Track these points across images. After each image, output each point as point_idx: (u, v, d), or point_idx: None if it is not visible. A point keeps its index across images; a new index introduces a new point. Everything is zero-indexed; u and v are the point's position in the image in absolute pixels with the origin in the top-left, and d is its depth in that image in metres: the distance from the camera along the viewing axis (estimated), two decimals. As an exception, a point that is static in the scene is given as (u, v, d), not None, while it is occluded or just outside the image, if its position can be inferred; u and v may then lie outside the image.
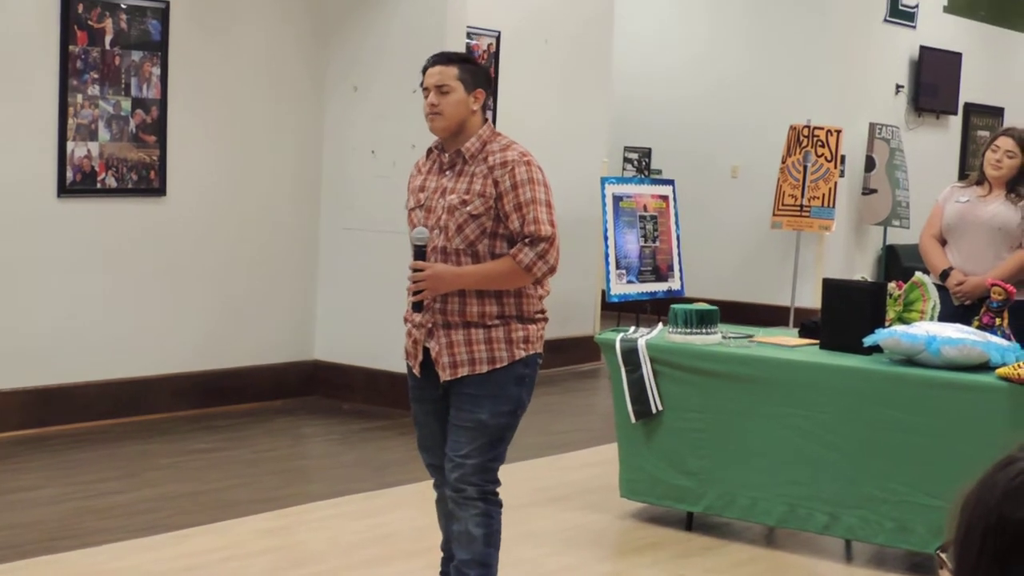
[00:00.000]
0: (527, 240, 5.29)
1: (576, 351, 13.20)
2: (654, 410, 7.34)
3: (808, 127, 14.33)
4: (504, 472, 8.63)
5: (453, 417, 5.42)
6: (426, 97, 5.42)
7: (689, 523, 7.49)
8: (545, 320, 5.55)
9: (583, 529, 7.47)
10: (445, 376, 5.37)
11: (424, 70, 5.48)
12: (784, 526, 7.13)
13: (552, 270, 5.36)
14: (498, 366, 5.35)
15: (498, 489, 5.51)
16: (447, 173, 5.43)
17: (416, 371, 5.50)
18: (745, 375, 7.08)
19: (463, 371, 5.35)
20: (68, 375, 9.45)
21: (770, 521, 7.14)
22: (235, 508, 7.61)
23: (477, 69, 5.54)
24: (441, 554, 5.75)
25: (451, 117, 5.37)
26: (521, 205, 5.29)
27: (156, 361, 9.94)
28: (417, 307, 5.39)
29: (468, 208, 5.31)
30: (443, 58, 5.48)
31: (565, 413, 11.09)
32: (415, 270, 5.32)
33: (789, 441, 6.98)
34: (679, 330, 7.34)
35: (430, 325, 5.39)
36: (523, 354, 5.40)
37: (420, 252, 5.35)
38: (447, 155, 5.45)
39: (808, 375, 6.92)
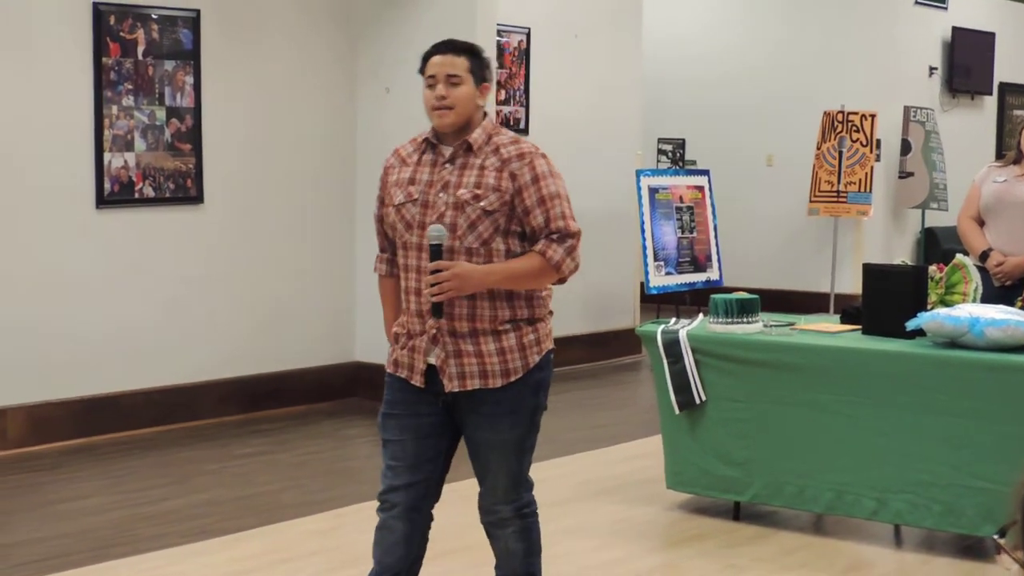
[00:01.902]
0: (555, 236, 4.95)
1: (617, 344, 13.22)
2: (698, 401, 7.34)
3: (842, 112, 14.30)
4: (549, 467, 8.69)
5: (470, 437, 5.08)
6: (430, 87, 5.00)
7: (736, 513, 7.48)
8: (551, 314, 5.20)
9: (630, 522, 7.47)
10: (452, 387, 4.95)
11: (426, 58, 5.06)
12: (832, 513, 7.12)
13: (577, 268, 5.04)
14: (513, 379, 4.99)
15: (531, 489, 5.25)
16: (447, 166, 4.99)
17: (418, 382, 5.02)
18: (788, 363, 7.07)
19: (473, 384, 4.95)
20: (114, 384, 9.51)
21: (818, 508, 7.13)
22: (284, 511, 7.64)
23: (485, 62, 5.10)
24: None
25: (461, 112, 4.98)
26: (544, 199, 4.96)
27: (200, 367, 9.99)
28: (437, 312, 4.91)
29: (482, 203, 4.91)
30: (453, 47, 5.07)
31: (608, 406, 11.10)
32: (434, 271, 4.84)
33: (834, 427, 6.96)
34: (720, 320, 7.33)
35: (434, 332, 4.96)
36: (537, 358, 5.05)
37: (437, 251, 4.87)
38: (446, 147, 5.03)
39: (851, 361, 6.90)
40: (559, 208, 4.99)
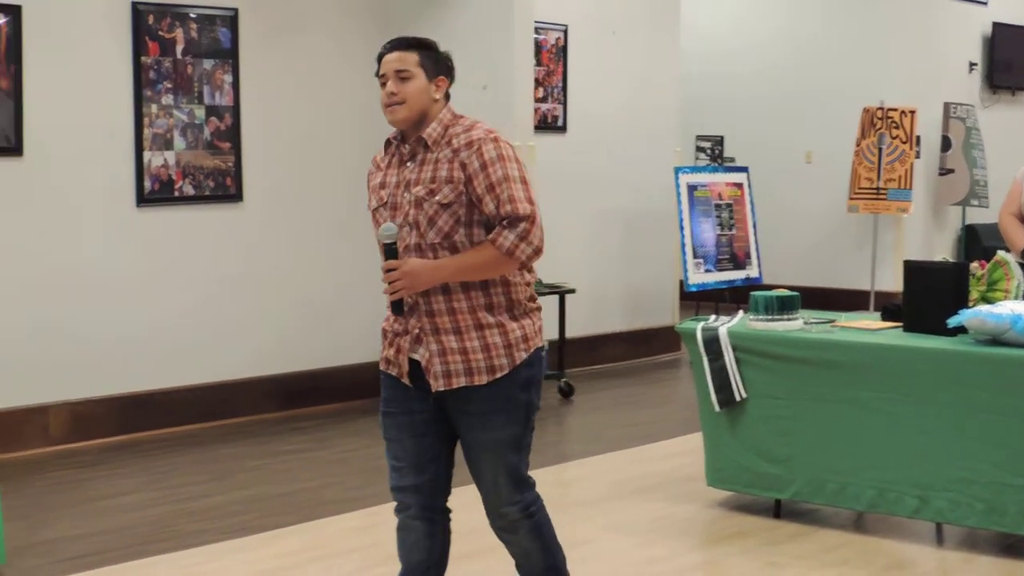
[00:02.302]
0: (505, 222, 4.84)
1: (656, 341, 13.21)
2: (738, 398, 7.32)
3: (882, 109, 14.24)
4: (590, 464, 8.71)
5: (464, 436, 5.02)
6: (383, 86, 4.96)
7: (777, 510, 7.46)
8: (539, 309, 5.08)
9: (671, 519, 7.46)
10: (438, 386, 4.92)
11: (380, 58, 5.02)
12: (873, 511, 7.09)
13: (538, 251, 4.87)
14: (499, 375, 4.92)
15: (533, 487, 5.15)
16: (408, 164, 4.98)
17: (406, 381, 5.01)
18: (829, 360, 7.04)
19: (459, 381, 4.90)
20: (155, 381, 9.56)
21: (859, 506, 7.10)
22: (324, 508, 7.66)
23: (439, 55, 5.04)
24: None
25: (413, 107, 4.92)
26: (493, 185, 4.84)
27: (240, 365, 10.02)
28: (398, 310, 4.93)
29: (437, 198, 4.86)
30: (402, 43, 5.01)
31: (647, 404, 11.08)
32: (388, 270, 4.86)
33: (876, 425, 6.94)
34: (760, 317, 7.31)
35: (417, 331, 4.95)
36: (524, 355, 4.96)
37: (391, 250, 4.87)
38: (407, 145, 5.00)
39: (892, 358, 6.87)
40: (507, 192, 4.86)
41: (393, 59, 4.96)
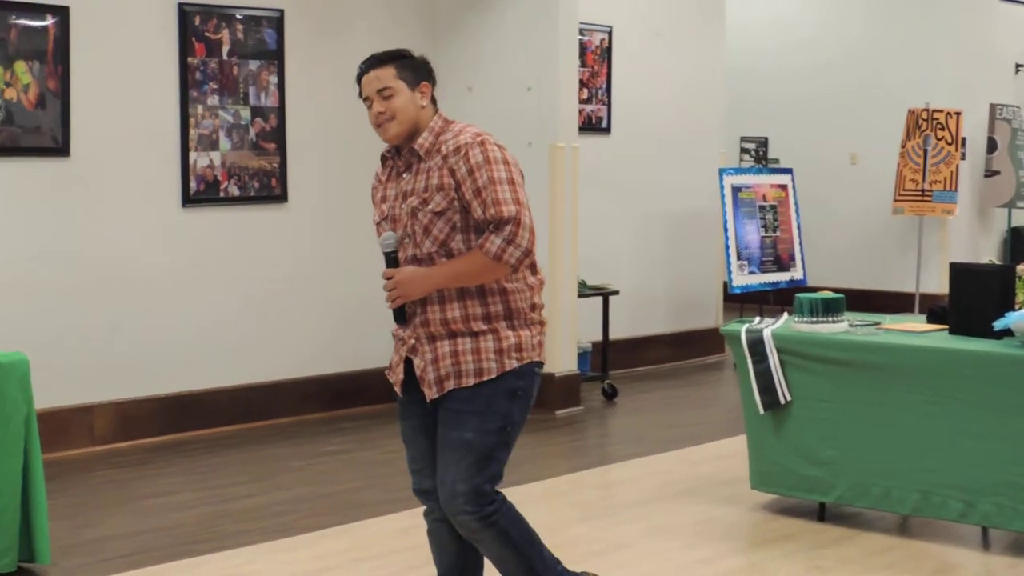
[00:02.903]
0: (492, 226, 4.83)
1: (700, 343, 13.18)
2: (782, 400, 7.29)
3: (927, 110, 14.18)
4: (634, 466, 8.71)
5: (439, 434, 4.99)
6: (369, 107, 5.00)
7: (821, 514, 7.43)
8: (541, 323, 5.08)
9: (715, 522, 7.44)
10: (431, 394, 4.95)
11: (358, 79, 5.05)
12: (918, 514, 7.05)
13: (527, 253, 4.86)
14: (485, 378, 4.90)
15: (499, 491, 5.04)
16: (404, 176, 5.00)
17: (397, 389, 5.11)
18: (874, 362, 7.01)
19: (449, 385, 4.91)
20: (199, 382, 9.59)
21: (904, 510, 7.07)
22: (367, 509, 7.67)
23: (415, 62, 5.05)
24: None
25: (403, 120, 4.95)
26: (480, 190, 4.83)
27: (283, 366, 10.05)
28: (399, 318, 4.98)
29: (430, 207, 4.88)
30: (375, 61, 5.02)
31: (691, 406, 11.06)
32: (387, 279, 4.92)
33: (921, 428, 6.90)
34: (805, 319, 7.28)
35: (413, 341, 4.98)
36: (515, 364, 4.93)
37: (391, 259, 4.94)
38: (401, 157, 5.03)
39: (938, 361, 6.83)
40: (492, 195, 4.84)
41: (371, 79, 5.00)
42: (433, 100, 5.08)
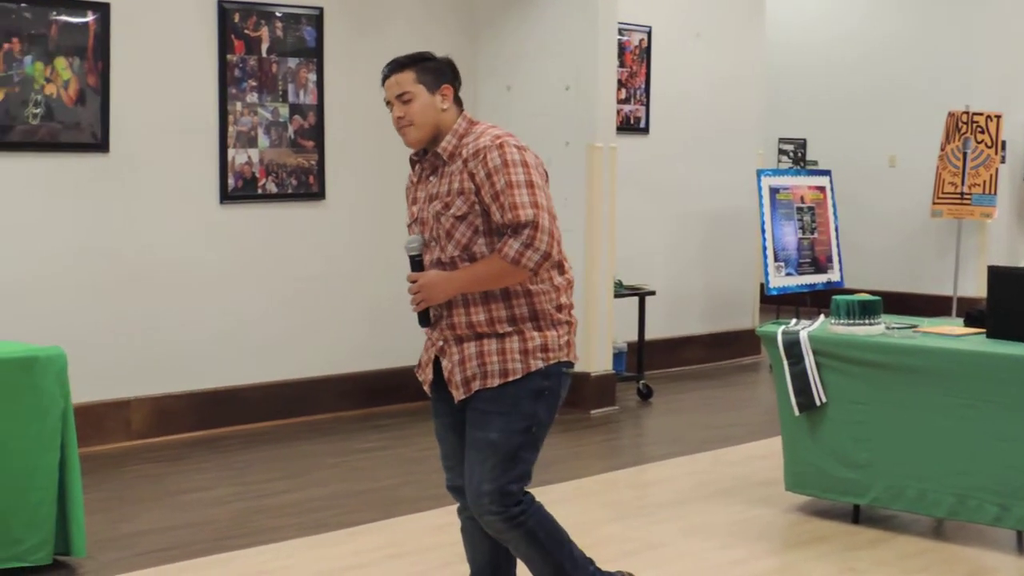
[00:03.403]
0: (510, 230, 4.83)
1: (736, 344, 13.16)
2: (818, 402, 7.28)
3: (967, 113, 14.12)
4: (670, 466, 8.71)
5: (467, 434, 5.01)
6: (391, 111, 5.04)
7: (856, 516, 7.41)
8: (569, 323, 5.06)
9: (749, 523, 7.43)
10: (459, 396, 4.97)
11: (382, 83, 5.07)
12: (953, 518, 7.03)
13: (546, 256, 4.83)
14: (511, 379, 4.90)
15: (527, 491, 5.06)
16: (431, 179, 5.03)
17: (426, 389, 5.17)
18: (910, 365, 6.99)
19: (475, 385, 4.93)
20: (235, 377, 9.62)
21: (939, 513, 7.05)
22: (402, 505, 7.69)
23: (436, 65, 5.05)
24: None
25: (422, 124, 4.97)
26: (498, 194, 4.83)
27: (320, 362, 10.08)
28: (424, 321, 5.02)
29: (451, 211, 4.90)
30: (396, 65, 5.04)
31: (727, 407, 11.05)
32: (411, 282, 4.98)
33: (957, 431, 6.88)
34: (842, 321, 7.26)
35: (441, 343, 5.02)
36: (541, 365, 4.93)
37: (415, 263, 5.00)
38: (427, 160, 5.07)
39: (976, 364, 6.81)
40: (510, 199, 4.83)
41: (392, 83, 5.03)
42: (459, 101, 5.08)
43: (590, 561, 5.21)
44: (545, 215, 4.85)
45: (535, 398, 4.96)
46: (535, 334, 4.94)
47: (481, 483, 4.94)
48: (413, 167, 5.17)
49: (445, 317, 4.98)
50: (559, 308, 5.02)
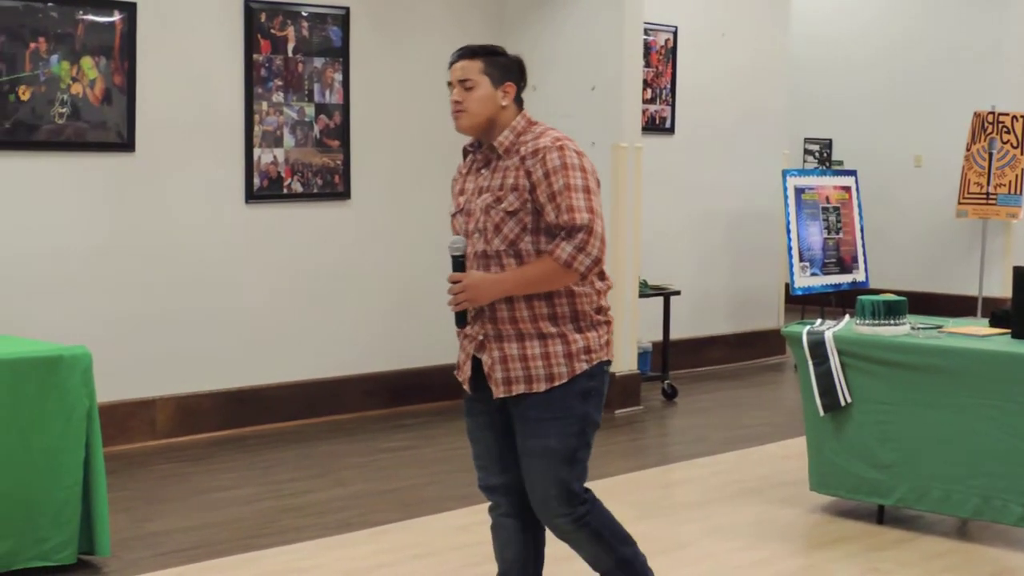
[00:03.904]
0: (564, 232, 4.84)
1: (761, 344, 13.15)
2: (843, 403, 7.27)
3: (993, 113, 14.09)
4: (694, 466, 8.72)
5: (520, 444, 5.02)
6: (450, 93, 5.05)
7: (880, 516, 7.40)
8: (608, 323, 5.08)
9: (773, 523, 7.42)
10: (499, 392, 4.97)
11: (449, 65, 5.07)
12: (978, 518, 7.01)
13: (596, 262, 4.87)
14: (557, 383, 4.92)
15: (587, 488, 5.10)
16: (482, 172, 5.05)
17: (466, 387, 5.13)
18: (936, 366, 6.98)
19: (518, 388, 4.94)
20: (260, 377, 9.64)
21: (964, 513, 7.03)
22: (427, 505, 7.70)
23: (506, 61, 5.08)
24: None
25: (476, 114, 4.99)
26: (555, 194, 4.84)
27: (345, 362, 10.09)
28: (461, 321, 5.00)
29: (503, 205, 4.91)
30: (467, 51, 5.06)
31: (752, 407, 11.04)
32: (453, 282, 4.93)
33: (982, 432, 6.86)
34: (867, 321, 7.25)
35: (481, 337, 5.00)
36: (585, 367, 4.96)
37: (458, 263, 4.96)
38: (481, 152, 5.09)
39: (1001, 365, 6.79)
40: (567, 201, 4.84)
41: (458, 68, 5.03)
42: (520, 101, 5.10)
43: (645, 558, 5.28)
44: (599, 222, 4.88)
45: (583, 400, 4.98)
46: (577, 336, 4.96)
47: (547, 489, 4.98)
48: (465, 157, 5.19)
49: (487, 312, 4.97)
50: (598, 310, 5.04)
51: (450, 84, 5.04)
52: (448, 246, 4.99)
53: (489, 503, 5.26)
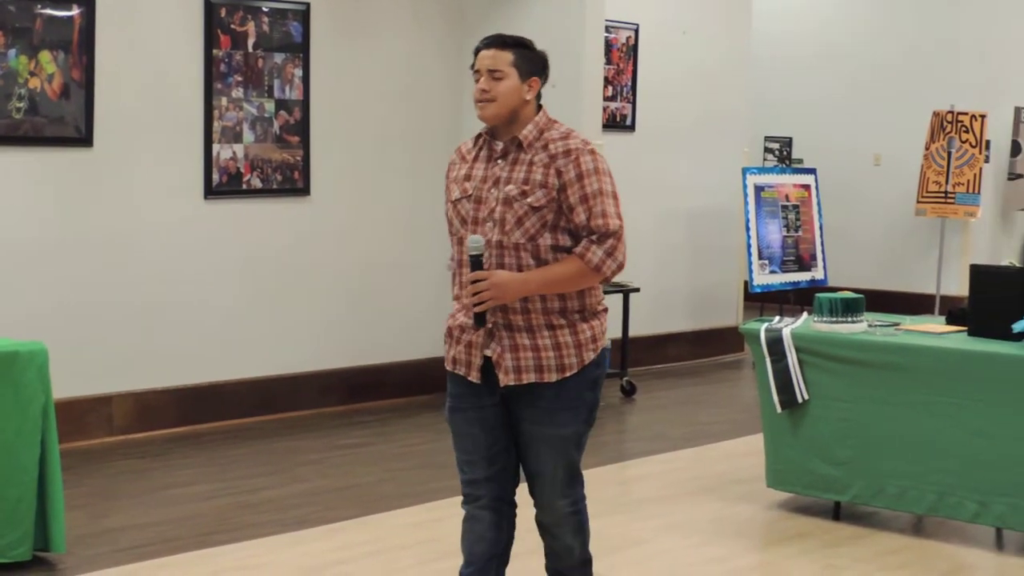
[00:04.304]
0: (594, 236, 4.94)
1: (720, 342, 13.18)
2: (800, 399, 7.30)
3: (952, 112, 14.15)
4: (652, 463, 8.73)
5: (527, 430, 5.07)
6: (476, 81, 5.04)
7: (836, 513, 7.43)
8: (605, 311, 5.17)
9: (730, 520, 7.45)
10: (508, 380, 4.98)
11: (476, 51, 5.07)
12: (933, 515, 7.06)
13: (621, 267, 5.01)
14: (568, 374, 4.99)
15: (583, 484, 5.28)
16: (499, 162, 5.02)
17: (475, 377, 5.05)
18: (892, 363, 7.01)
19: (529, 377, 4.97)
20: (218, 373, 9.61)
21: (919, 510, 7.07)
22: (383, 502, 7.69)
23: (534, 55, 5.08)
24: None
25: (503, 105, 4.99)
26: (587, 197, 4.92)
27: (303, 358, 10.07)
28: (481, 321, 4.96)
29: (529, 200, 4.92)
30: (498, 41, 5.07)
31: (710, 404, 11.07)
32: (474, 281, 4.89)
33: (938, 429, 6.90)
34: (825, 319, 7.28)
35: (490, 326, 5.00)
36: (593, 356, 5.05)
37: (477, 262, 4.92)
38: (499, 143, 5.06)
39: (957, 362, 6.84)
40: (600, 206, 4.95)
41: (488, 56, 5.03)
42: (538, 96, 5.11)
43: None
44: (624, 230, 5.02)
45: (593, 387, 5.10)
46: (584, 326, 5.03)
47: (555, 472, 5.10)
48: (476, 141, 5.17)
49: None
50: (599, 301, 5.14)
51: (476, 71, 5.05)
52: (467, 246, 4.95)
53: (465, 496, 5.25)
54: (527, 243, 4.93)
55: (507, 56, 5.01)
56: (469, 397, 5.12)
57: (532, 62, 5.06)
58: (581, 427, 5.10)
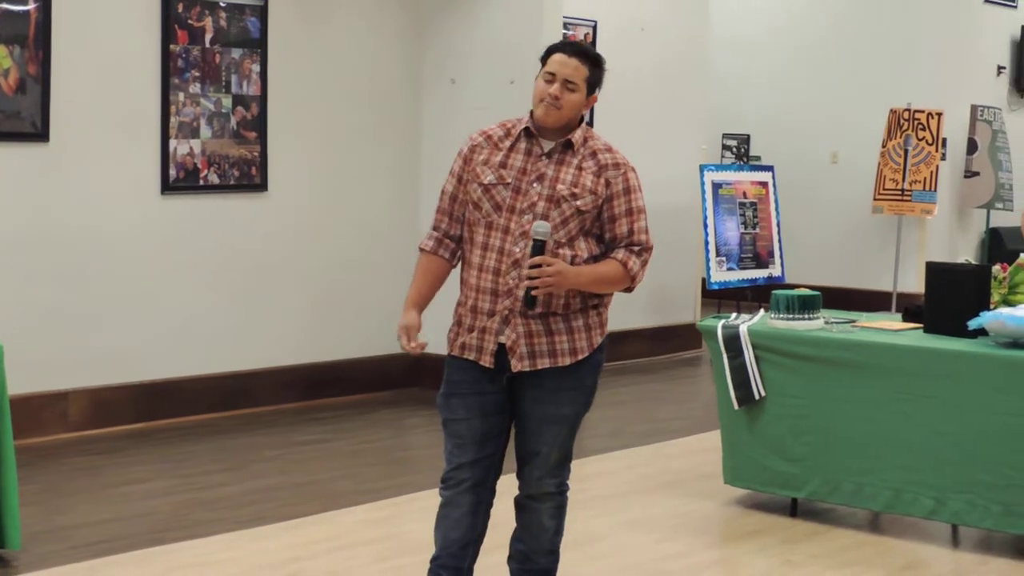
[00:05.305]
0: (635, 248, 5.22)
1: (677, 339, 13.20)
2: (757, 396, 7.32)
3: (908, 110, 14.20)
4: (610, 459, 8.75)
5: (530, 410, 5.23)
6: (547, 81, 5.15)
7: (793, 509, 7.46)
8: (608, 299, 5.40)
9: (688, 516, 7.46)
10: (522, 367, 5.13)
11: (552, 51, 5.22)
12: (889, 511, 7.09)
13: (642, 280, 5.30)
14: (580, 358, 5.20)
15: (570, 469, 5.51)
16: (544, 159, 5.16)
17: (488, 362, 5.17)
18: (848, 360, 7.04)
19: (543, 363, 5.15)
20: (174, 369, 9.57)
21: (875, 506, 7.10)
22: (340, 499, 7.67)
23: (602, 75, 5.29)
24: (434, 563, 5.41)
25: (564, 116, 5.16)
26: (632, 211, 5.22)
27: (261, 355, 10.04)
28: (532, 303, 5.05)
29: (578, 203, 5.11)
30: (581, 53, 5.22)
31: (667, 401, 11.09)
32: (536, 265, 4.98)
33: (894, 426, 6.93)
34: (781, 316, 7.31)
35: (507, 312, 5.13)
36: (599, 340, 5.28)
37: (539, 247, 5.01)
38: (546, 141, 5.20)
39: (913, 359, 6.87)
40: (643, 222, 5.25)
41: (570, 66, 5.18)
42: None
43: None
44: None
45: (596, 372, 5.32)
46: (592, 312, 5.25)
47: (551, 452, 5.29)
48: (508, 133, 5.28)
49: (517, 288, 5.12)
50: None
51: (549, 72, 5.17)
52: (533, 229, 5.04)
53: (446, 482, 5.33)
54: (567, 243, 5.13)
55: (585, 71, 5.19)
56: (471, 383, 5.25)
57: (599, 81, 5.28)
58: (580, 409, 5.29)
